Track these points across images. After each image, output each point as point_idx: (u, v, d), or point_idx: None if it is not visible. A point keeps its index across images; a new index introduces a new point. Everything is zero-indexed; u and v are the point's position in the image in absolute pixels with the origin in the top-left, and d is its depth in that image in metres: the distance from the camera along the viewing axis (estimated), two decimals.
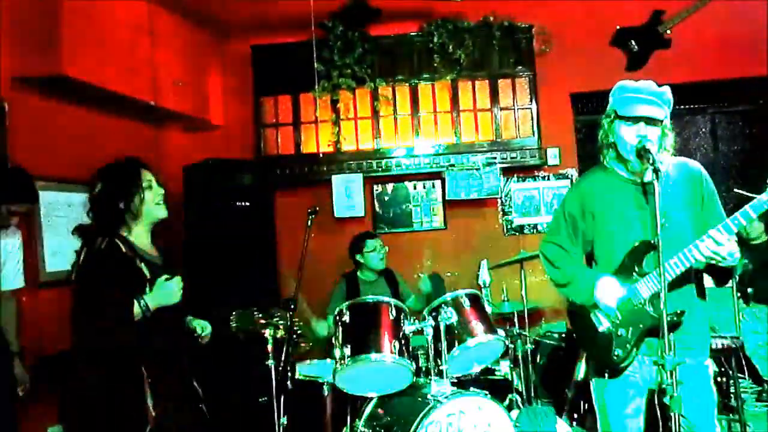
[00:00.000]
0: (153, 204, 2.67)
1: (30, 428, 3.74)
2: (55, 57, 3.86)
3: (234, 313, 3.62)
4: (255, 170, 5.41)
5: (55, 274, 3.92)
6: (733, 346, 3.98)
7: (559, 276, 2.75)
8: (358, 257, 4.78)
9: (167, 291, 2.55)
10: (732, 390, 4.19)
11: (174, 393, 2.62)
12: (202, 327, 2.87)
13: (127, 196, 2.60)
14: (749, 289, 5.22)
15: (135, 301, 2.45)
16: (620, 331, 2.53)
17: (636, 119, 2.47)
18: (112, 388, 2.46)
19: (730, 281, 2.46)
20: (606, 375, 2.60)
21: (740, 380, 4.53)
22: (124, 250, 2.53)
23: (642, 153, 2.38)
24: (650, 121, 2.46)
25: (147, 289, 2.52)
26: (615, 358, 2.53)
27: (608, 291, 2.54)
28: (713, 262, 2.33)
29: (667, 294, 2.19)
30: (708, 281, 2.63)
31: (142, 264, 2.56)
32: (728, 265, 2.35)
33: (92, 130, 4.56)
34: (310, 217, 3.66)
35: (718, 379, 4.26)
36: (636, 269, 2.50)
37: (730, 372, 4.09)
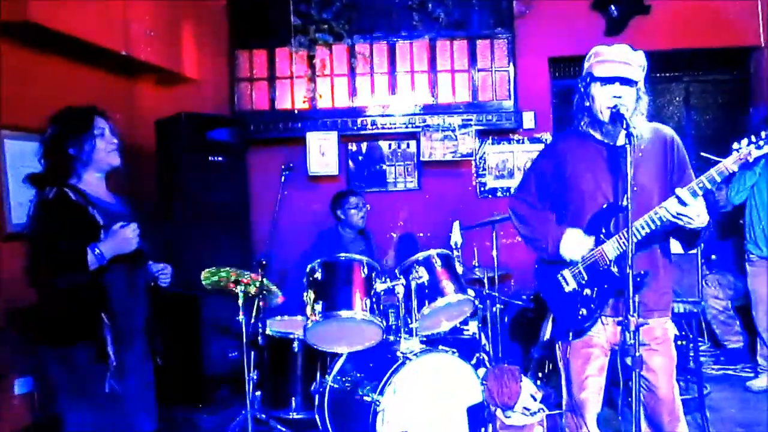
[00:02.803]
0: (105, 152, 2.60)
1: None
2: (20, 1, 3.72)
3: (205, 271, 3.60)
4: (229, 125, 5.34)
5: (21, 225, 3.85)
6: (695, 310, 4.09)
7: (527, 231, 2.78)
8: (339, 212, 4.74)
9: (121, 238, 2.49)
10: (692, 353, 4.32)
11: (134, 342, 2.62)
12: (161, 269, 2.81)
13: (77, 142, 2.53)
14: (713, 256, 5.36)
15: (88, 250, 2.41)
16: (585, 291, 2.58)
17: (611, 80, 2.48)
18: (74, 335, 2.46)
19: (697, 248, 2.49)
20: (570, 335, 2.65)
21: (700, 343, 4.67)
22: (74, 198, 2.48)
23: (616, 117, 2.39)
24: (625, 82, 2.47)
25: (102, 236, 2.48)
26: (579, 317, 2.58)
27: (573, 244, 2.58)
28: (681, 223, 2.36)
29: (633, 256, 2.23)
30: (675, 246, 2.69)
31: (95, 212, 2.51)
32: (696, 228, 2.38)
33: (62, 79, 4.44)
34: (285, 173, 3.63)
35: (679, 342, 4.38)
36: (603, 231, 2.53)
37: (691, 335, 4.21)
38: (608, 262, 2.52)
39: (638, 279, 2.37)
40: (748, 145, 2.26)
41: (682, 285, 4.52)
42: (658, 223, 2.39)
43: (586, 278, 2.58)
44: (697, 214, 2.33)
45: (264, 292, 3.67)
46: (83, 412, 2.49)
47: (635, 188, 2.37)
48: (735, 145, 2.28)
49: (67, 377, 2.48)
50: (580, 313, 2.58)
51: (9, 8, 3.72)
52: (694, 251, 4.42)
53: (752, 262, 4.64)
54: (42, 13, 3.83)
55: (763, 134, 2.24)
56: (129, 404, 2.58)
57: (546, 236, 2.67)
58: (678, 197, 2.32)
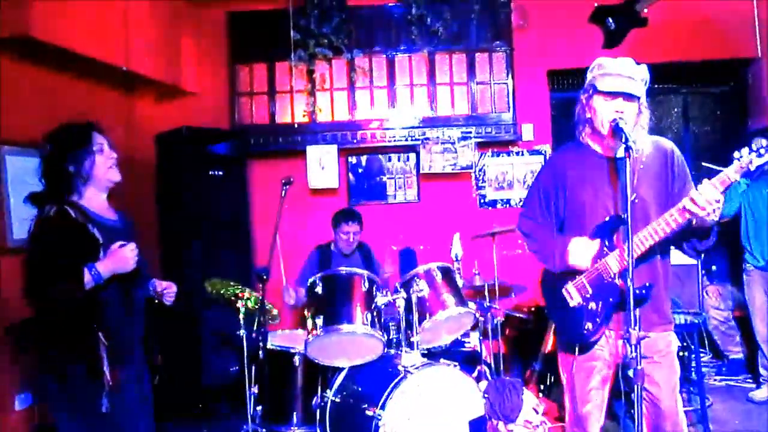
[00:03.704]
0: (105, 168, 2.59)
1: None
2: (21, 17, 3.75)
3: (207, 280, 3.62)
4: (229, 139, 5.36)
5: (22, 241, 3.85)
6: (696, 322, 4.09)
7: (536, 247, 2.79)
8: (334, 231, 4.76)
9: (119, 258, 2.48)
10: (693, 364, 4.31)
11: (131, 359, 2.60)
12: (165, 287, 2.79)
13: (76, 159, 2.52)
14: (713, 267, 5.37)
15: (85, 270, 2.39)
16: (590, 305, 2.57)
17: (614, 94, 2.48)
18: (69, 353, 2.44)
19: (704, 252, 2.48)
20: (576, 349, 2.64)
21: (701, 355, 4.67)
22: (74, 216, 2.46)
23: (616, 130, 2.40)
24: (628, 97, 2.47)
25: (101, 254, 2.46)
26: (585, 332, 2.57)
27: (579, 251, 2.57)
28: (699, 213, 2.30)
29: (635, 268, 2.23)
30: (673, 258, 2.69)
31: (95, 229, 2.49)
32: (709, 223, 2.35)
33: (63, 93, 4.46)
34: (285, 187, 3.64)
35: (680, 353, 4.38)
36: (606, 243, 2.53)
37: (692, 347, 4.21)
38: (612, 275, 2.51)
39: (643, 291, 2.36)
40: (750, 153, 2.26)
41: (683, 296, 4.52)
42: (667, 231, 2.38)
43: (590, 292, 2.57)
44: (709, 203, 2.28)
45: (263, 309, 3.67)
46: (79, 429, 2.47)
47: (636, 200, 2.37)
48: (736, 154, 2.27)
49: (63, 394, 2.46)
50: (586, 327, 2.56)
51: (10, 23, 3.75)
52: (694, 262, 4.44)
53: (748, 272, 4.65)
54: (42, 29, 3.85)
55: (763, 142, 2.24)
56: (126, 420, 2.55)
57: (553, 250, 2.66)
58: (698, 191, 2.28)
